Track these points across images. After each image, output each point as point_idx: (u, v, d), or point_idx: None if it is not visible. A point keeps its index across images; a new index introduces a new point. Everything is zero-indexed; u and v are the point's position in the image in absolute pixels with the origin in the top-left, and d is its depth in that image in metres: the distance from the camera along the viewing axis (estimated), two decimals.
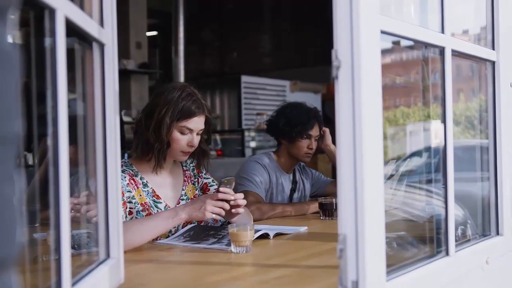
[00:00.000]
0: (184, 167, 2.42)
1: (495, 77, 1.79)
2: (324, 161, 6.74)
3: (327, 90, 8.40)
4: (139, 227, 1.95)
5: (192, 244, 2.01)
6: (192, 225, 2.21)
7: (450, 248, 1.49)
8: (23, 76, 0.59)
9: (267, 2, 9.72)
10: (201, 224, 2.26)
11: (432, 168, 1.88)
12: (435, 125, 1.85)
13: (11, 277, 0.56)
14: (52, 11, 0.98)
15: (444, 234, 1.50)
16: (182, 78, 8.65)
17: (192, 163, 2.43)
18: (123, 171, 2.18)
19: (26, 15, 0.95)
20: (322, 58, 8.98)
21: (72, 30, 1.10)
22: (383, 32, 1.24)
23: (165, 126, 2.16)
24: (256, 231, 2.04)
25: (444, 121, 1.52)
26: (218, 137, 7.57)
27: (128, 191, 2.16)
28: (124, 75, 7.20)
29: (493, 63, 1.79)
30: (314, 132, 2.97)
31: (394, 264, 1.31)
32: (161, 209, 2.22)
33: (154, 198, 2.24)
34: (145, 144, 2.20)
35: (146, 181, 2.25)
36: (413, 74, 2.09)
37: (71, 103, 1.08)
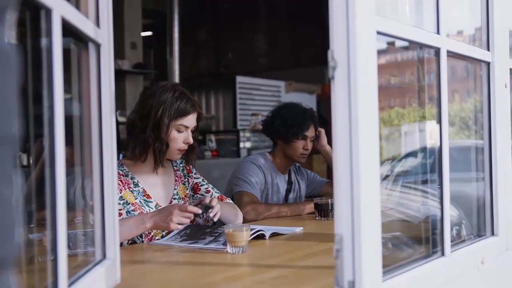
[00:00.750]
0: (174, 167, 2.45)
1: (490, 78, 1.80)
2: (319, 162, 6.75)
3: (322, 90, 8.41)
4: None
5: (189, 244, 2.00)
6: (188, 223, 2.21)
7: (446, 248, 1.50)
8: (21, 77, 0.59)
9: (263, 2, 9.72)
10: None
11: (427, 168, 1.88)
12: (430, 126, 1.86)
13: (9, 277, 0.56)
14: (48, 11, 0.98)
15: (440, 235, 1.51)
16: (177, 79, 8.64)
17: (181, 163, 2.47)
18: None
19: (22, 15, 0.94)
20: (317, 58, 9.01)
21: (68, 30, 1.09)
22: (379, 32, 1.24)
23: (164, 126, 2.20)
24: (252, 230, 2.04)
25: (439, 121, 1.52)
26: (213, 137, 7.56)
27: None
28: (119, 75, 7.19)
29: (488, 64, 1.80)
30: (310, 133, 2.98)
31: (390, 265, 1.31)
32: (152, 208, 2.25)
33: (144, 197, 2.26)
34: (142, 145, 2.23)
35: (137, 181, 2.27)
36: (408, 75, 2.09)
37: (66, 103, 1.08)
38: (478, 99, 1.95)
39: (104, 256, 1.34)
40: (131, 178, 2.26)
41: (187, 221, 1.98)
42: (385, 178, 1.96)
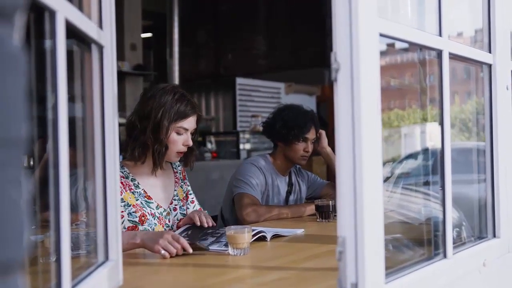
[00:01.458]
0: (174, 169, 2.46)
1: (492, 80, 1.80)
2: (319, 163, 6.75)
3: (321, 92, 8.41)
4: None
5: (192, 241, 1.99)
6: (189, 224, 2.21)
7: (448, 250, 1.50)
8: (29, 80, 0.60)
9: (262, 4, 9.72)
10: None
11: (427, 170, 1.88)
12: (430, 128, 1.86)
13: (17, 279, 0.56)
14: (52, 13, 0.98)
15: (442, 237, 1.51)
16: (176, 80, 8.63)
17: (179, 166, 2.48)
18: None
19: (25, 17, 0.94)
20: (317, 60, 8.99)
21: (71, 31, 1.09)
22: (381, 35, 1.24)
23: (163, 128, 2.20)
24: (253, 231, 2.04)
25: (441, 123, 1.52)
26: (213, 139, 7.55)
27: None
28: (119, 76, 7.12)
29: (489, 66, 1.80)
30: (311, 135, 2.98)
31: (393, 266, 1.31)
32: (153, 209, 2.26)
33: (145, 198, 2.27)
34: (142, 147, 2.23)
35: (138, 183, 2.28)
36: (408, 77, 2.09)
37: (68, 105, 1.08)
38: (477, 101, 1.96)
39: (106, 257, 1.34)
40: (132, 180, 2.27)
41: (173, 251, 1.86)
42: (385, 180, 1.96)
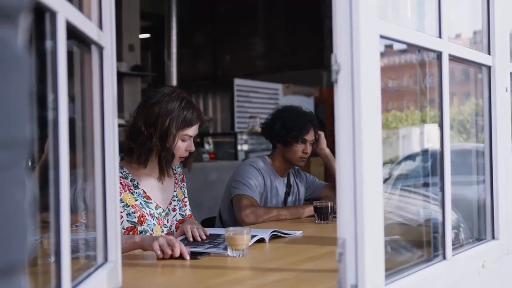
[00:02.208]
0: (173, 170, 2.47)
1: (491, 81, 1.80)
2: (317, 164, 6.75)
3: (320, 93, 8.41)
4: None
5: (189, 248, 1.99)
6: (184, 235, 2.21)
7: (447, 252, 1.50)
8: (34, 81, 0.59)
9: (260, 5, 9.72)
10: None
11: (426, 172, 1.88)
12: (429, 129, 1.86)
13: (21, 281, 0.56)
14: (53, 14, 0.97)
15: (441, 238, 1.51)
16: (174, 81, 8.62)
17: (179, 167, 2.49)
18: None
19: (30, 18, 0.94)
20: (315, 61, 8.98)
21: (71, 32, 1.09)
22: (382, 36, 1.24)
23: (171, 136, 2.22)
24: (252, 236, 2.03)
25: (441, 125, 1.52)
26: (210, 140, 7.55)
27: None
28: (117, 77, 7.15)
29: (489, 68, 1.80)
30: (310, 136, 2.97)
31: (392, 268, 1.31)
32: (152, 209, 2.26)
33: (145, 198, 2.27)
34: (148, 153, 2.24)
35: (137, 183, 2.28)
36: (406, 78, 2.10)
37: (68, 106, 1.08)
38: (475, 102, 1.96)
39: (105, 259, 1.34)
40: (131, 180, 2.27)
41: (169, 251, 1.84)
42: (384, 181, 1.96)
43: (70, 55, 1.19)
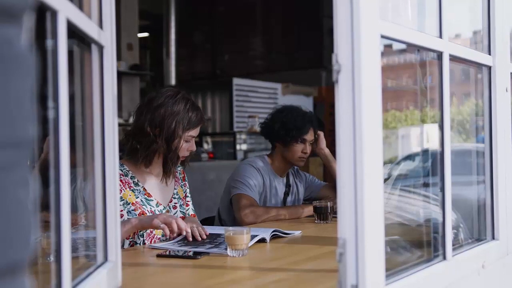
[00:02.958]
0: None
1: (491, 82, 1.80)
2: (316, 164, 6.75)
3: (318, 93, 8.41)
4: None
5: (189, 248, 1.99)
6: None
7: (448, 252, 1.50)
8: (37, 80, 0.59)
9: (259, 4, 9.72)
10: None
11: (425, 172, 1.88)
12: (428, 129, 1.86)
13: (24, 280, 0.56)
14: (54, 13, 0.97)
15: (442, 239, 1.51)
16: (173, 80, 8.62)
17: (179, 166, 2.50)
18: None
19: (33, 18, 0.94)
20: (314, 61, 8.98)
21: (71, 31, 1.09)
22: (383, 36, 1.24)
23: (177, 137, 2.25)
24: (253, 236, 2.03)
25: (441, 125, 1.52)
26: (209, 139, 7.54)
27: None
28: None
29: (489, 68, 1.80)
30: (309, 136, 2.97)
31: (393, 268, 1.31)
32: (153, 207, 2.28)
33: (145, 196, 2.28)
34: (153, 154, 2.27)
35: (137, 180, 2.29)
36: (405, 78, 2.09)
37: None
38: (475, 102, 1.96)
39: (105, 258, 1.34)
40: (131, 178, 2.28)
41: (174, 223, 1.98)
42: (383, 181, 1.96)
43: (70, 54, 1.19)
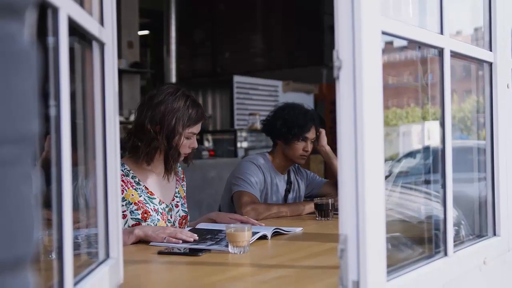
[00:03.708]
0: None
1: (492, 78, 1.80)
2: (316, 162, 6.76)
3: (319, 90, 8.41)
4: None
5: (190, 245, 1.99)
6: (188, 228, 2.22)
7: (449, 248, 1.50)
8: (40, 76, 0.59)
9: (259, 2, 9.72)
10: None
11: (427, 169, 1.88)
12: (429, 126, 1.86)
13: (28, 275, 0.56)
14: (55, 10, 0.97)
15: (442, 235, 1.51)
16: (173, 78, 8.62)
17: (179, 166, 2.51)
18: None
19: (36, 14, 0.94)
20: (314, 58, 8.97)
21: (72, 28, 1.09)
22: (384, 32, 1.24)
23: (177, 134, 2.25)
24: (254, 233, 2.03)
25: (443, 122, 1.52)
26: (210, 137, 7.55)
27: None
28: None
29: (490, 64, 1.80)
30: (311, 134, 2.97)
31: (394, 265, 1.31)
32: (156, 205, 2.28)
33: (148, 194, 2.28)
34: (154, 151, 2.26)
35: (139, 179, 2.28)
36: (406, 75, 2.09)
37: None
38: (476, 99, 1.96)
39: (107, 255, 1.34)
40: (132, 177, 2.27)
41: (170, 239, 2.01)
42: (384, 178, 1.96)
43: (71, 51, 1.19)
